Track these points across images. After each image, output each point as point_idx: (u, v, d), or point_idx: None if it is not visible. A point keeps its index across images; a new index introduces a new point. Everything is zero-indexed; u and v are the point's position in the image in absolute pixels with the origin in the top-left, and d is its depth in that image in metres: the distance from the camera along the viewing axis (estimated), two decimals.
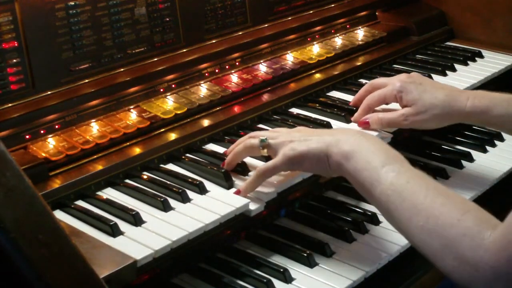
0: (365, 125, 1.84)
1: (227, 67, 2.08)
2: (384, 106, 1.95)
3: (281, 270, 1.54)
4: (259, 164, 1.67)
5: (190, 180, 1.63)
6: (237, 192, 1.60)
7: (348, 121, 1.93)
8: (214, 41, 2.11)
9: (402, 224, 1.37)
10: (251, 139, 1.65)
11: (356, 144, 1.48)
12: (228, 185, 1.63)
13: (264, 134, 1.65)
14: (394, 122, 1.82)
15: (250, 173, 1.67)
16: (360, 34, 2.46)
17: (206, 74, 2.03)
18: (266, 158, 1.66)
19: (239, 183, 1.64)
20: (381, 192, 1.40)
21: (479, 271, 1.22)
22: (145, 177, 1.66)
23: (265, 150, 1.62)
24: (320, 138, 1.54)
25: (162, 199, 1.54)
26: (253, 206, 1.57)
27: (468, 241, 1.24)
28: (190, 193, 1.59)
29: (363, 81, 2.26)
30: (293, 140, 1.58)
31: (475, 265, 1.22)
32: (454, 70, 2.36)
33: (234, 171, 1.68)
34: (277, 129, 1.72)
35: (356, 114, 1.92)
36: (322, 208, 1.81)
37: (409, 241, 1.38)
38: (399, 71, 2.33)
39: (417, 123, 1.81)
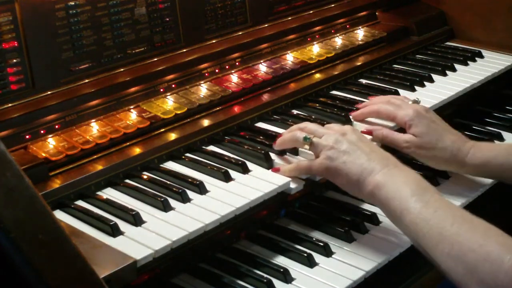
0: (368, 134, 1.85)
1: (227, 67, 2.08)
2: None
3: (281, 270, 1.54)
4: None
5: (190, 180, 1.63)
6: (276, 170, 1.69)
7: (348, 121, 1.93)
8: (214, 41, 2.11)
9: (429, 251, 1.41)
10: (298, 132, 1.70)
11: (389, 174, 1.53)
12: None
13: (312, 129, 1.69)
14: (396, 144, 1.83)
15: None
16: (360, 34, 2.46)
17: (206, 74, 2.03)
18: None
19: (239, 180, 1.65)
20: (410, 221, 1.45)
21: None
22: (145, 177, 1.66)
23: (307, 147, 1.67)
24: (357, 158, 1.57)
25: (162, 199, 1.54)
26: (247, 207, 1.57)
27: (488, 266, 1.28)
28: (190, 193, 1.59)
29: (363, 81, 2.26)
30: (334, 147, 1.61)
31: None
32: (454, 70, 2.36)
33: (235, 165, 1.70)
34: (329, 125, 1.74)
35: (359, 112, 1.94)
36: (322, 208, 1.81)
37: (437, 268, 1.41)
38: (399, 71, 2.34)
39: (416, 155, 1.83)
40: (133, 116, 1.80)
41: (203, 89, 1.97)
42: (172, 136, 1.79)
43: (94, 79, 1.82)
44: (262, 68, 2.13)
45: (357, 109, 1.98)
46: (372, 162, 1.56)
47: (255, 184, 1.64)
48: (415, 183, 1.51)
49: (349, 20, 2.49)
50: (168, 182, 1.63)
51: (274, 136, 1.82)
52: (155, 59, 1.95)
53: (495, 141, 2.12)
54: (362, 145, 1.62)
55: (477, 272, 1.29)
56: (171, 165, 1.73)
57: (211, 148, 1.82)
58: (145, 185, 1.63)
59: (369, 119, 1.96)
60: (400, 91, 2.16)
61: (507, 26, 2.52)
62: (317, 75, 2.20)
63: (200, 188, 1.60)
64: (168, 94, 1.92)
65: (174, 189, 1.59)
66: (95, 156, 1.67)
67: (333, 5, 2.49)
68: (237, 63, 2.11)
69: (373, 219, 1.75)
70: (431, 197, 1.47)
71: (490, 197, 1.95)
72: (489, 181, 1.96)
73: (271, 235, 1.71)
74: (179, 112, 1.84)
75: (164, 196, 1.56)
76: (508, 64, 2.42)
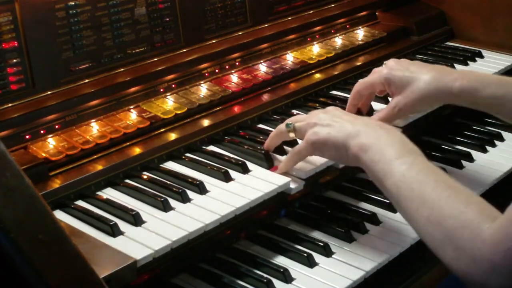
0: None
1: (227, 67, 2.08)
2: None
3: (281, 270, 1.54)
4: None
5: (190, 180, 1.63)
6: (274, 169, 1.68)
7: None
8: (214, 41, 2.11)
9: (409, 215, 1.39)
10: (281, 124, 1.71)
11: (374, 137, 1.51)
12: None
13: (294, 118, 1.70)
14: (388, 116, 1.82)
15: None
16: (360, 34, 2.46)
17: (206, 74, 2.03)
18: None
19: (239, 180, 1.65)
20: (392, 183, 1.43)
21: (476, 263, 1.23)
22: (145, 177, 1.66)
23: (292, 134, 1.67)
24: (342, 127, 1.57)
25: (162, 199, 1.54)
26: (247, 207, 1.57)
27: (467, 233, 1.26)
28: (190, 193, 1.59)
29: None
30: (317, 123, 1.61)
31: (472, 257, 1.24)
32: None
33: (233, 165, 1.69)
34: (312, 112, 1.73)
35: (347, 103, 1.93)
36: (322, 208, 1.81)
37: (416, 232, 1.40)
38: None
39: (408, 109, 1.82)
40: (133, 116, 1.80)
41: (203, 89, 1.97)
42: (172, 136, 1.79)
43: (94, 79, 1.82)
44: (262, 68, 2.13)
45: None
46: (356, 125, 1.55)
47: (255, 184, 1.64)
48: (400, 145, 1.48)
49: (349, 20, 2.49)
50: (168, 182, 1.63)
51: None
52: (155, 59, 1.95)
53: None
54: (346, 117, 1.61)
55: (455, 238, 1.27)
56: (171, 165, 1.73)
57: (211, 148, 1.82)
58: (145, 185, 1.63)
59: None
60: None
61: (507, 26, 2.52)
62: (317, 75, 2.20)
63: (200, 188, 1.60)
64: (168, 94, 1.92)
65: (174, 189, 1.59)
66: (95, 156, 1.67)
67: (333, 5, 2.48)
68: (237, 63, 2.11)
69: (373, 219, 1.75)
70: (415, 159, 1.44)
71: (490, 197, 1.95)
72: (489, 181, 1.96)
73: (271, 235, 1.71)
74: (179, 112, 1.84)
75: (164, 196, 1.56)
76: (508, 64, 2.42)
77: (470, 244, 1.25)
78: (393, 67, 1.83)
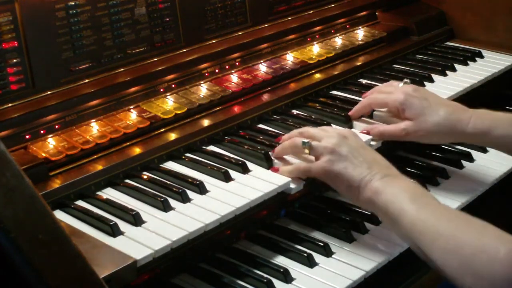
0: (366, 134, 1.86)
1: (227, 67, 2.08)
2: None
3: (281, 270, 1.54)
4: None
5: (190, 180, 1.63)
6: (275, 170, 1.68)
7: (348, 121, 1.93)
8: (214, 41, 2.11)
9: (426, 249, 1.41)
10: (296, 137, 1.70)
11: (388, 181, 1.53)
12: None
13: (310, 134, 1.69)
14: (394, 135, 1.84)
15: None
16: (360, 34, 2.46)
17: (206, 74, 2.03)
18: None
19: (239, 180, 1.65)
20: (408, 222, 1.45)
21: (495, 285, 1.26)
22: (145, 177, 1.66)
23: (307, 151, 1.66)
24: (359, 166, 1.57)
25: (162, 199, 1.54)
26: (247, 207, 1.57)
27: (484, 257, 1.29)
28: (190, 193, 1.59)
29: (363, 81, 2.26)
30: (335, 150, 1.60)
31: (492, 280, 1.27)
32: (454, 70, 2.36)
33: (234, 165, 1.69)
34: (326, 128, 1.74)
35: (354, 109, 1.94)
36: (322, 208, 1.81)
37: (433, 265, 1.41)
38: (399, 71, 2.34)
39: (417, 138, 1.84)
40: (133, 116, 1.80)
41: (203, 89, 1.97)
42: (172, 136, 1.79)
43: (94, 79, 1.82)
44: (262, 68, 2.13)
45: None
46: (372, 170, 1.56)
47: (255, 184, 1.64)
48: (413, 189, 1.52)
49: (349, 20, 2.49)
50: (168, 182, 1.63)
51: (275, 136, 1.82)
52: (155, 59, 1.95)
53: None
54: (363, 151, 1.62)
55: (473, 264, 1.30)
56: (171, 165, 1.73)
57: (211, 148, 1.82)
58: (145, 185, 1.63)
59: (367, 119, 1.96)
60: None
61: (507, 26, 2.52)
62: (317, 75, 2.20)
63: (200, 188, 1.60)
64: (168, 94, 1.92)
65: (174, 189, 1.59)
66: (95, 156, 1.67)
67: (333, 5, 2.49)
68: (237, 63, 2.11)
69: (373, 219, 1.75)
70: (428, 201, 1.49)
71: (490, 197, 1.95)
72: (489, 181, 1.96)
73: (271, 235, 1.71)
74: (179, 112, 1.84)
75: (164, 196, 1.56)
76: (508, 64, 2.42)
77: (488, 267, 1.27)
78: (410, 94, 1.84)
